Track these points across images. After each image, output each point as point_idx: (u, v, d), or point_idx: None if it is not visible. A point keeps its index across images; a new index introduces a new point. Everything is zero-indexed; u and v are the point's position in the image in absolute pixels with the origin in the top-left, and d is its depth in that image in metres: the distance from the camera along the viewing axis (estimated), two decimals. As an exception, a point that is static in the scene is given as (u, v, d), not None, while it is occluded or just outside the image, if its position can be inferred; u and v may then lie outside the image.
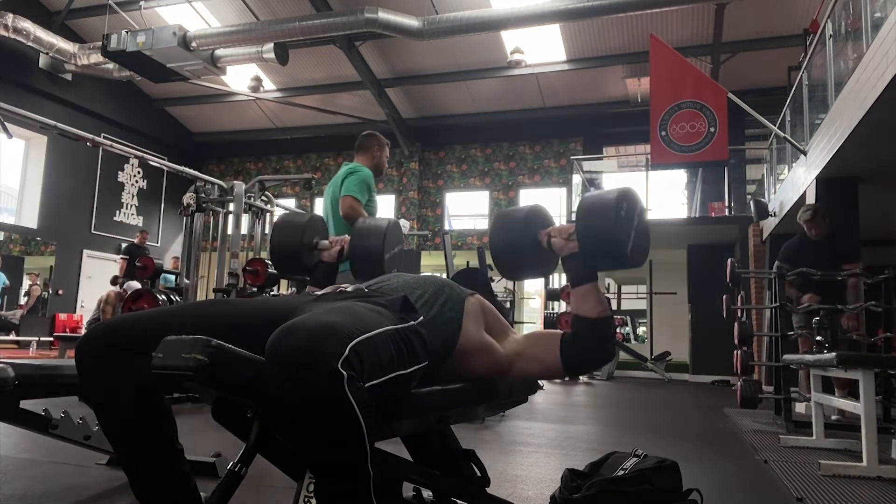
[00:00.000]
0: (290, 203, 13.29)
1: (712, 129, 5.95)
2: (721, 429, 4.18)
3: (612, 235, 1.35)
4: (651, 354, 10.16)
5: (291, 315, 1.22)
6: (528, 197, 13.39)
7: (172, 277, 7.43)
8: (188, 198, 5.54)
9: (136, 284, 6.77)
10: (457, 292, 1.46)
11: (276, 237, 1.76)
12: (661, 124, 6.09)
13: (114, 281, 8.26)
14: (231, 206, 5.68)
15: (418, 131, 13.73)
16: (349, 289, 1.42)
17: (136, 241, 9.26)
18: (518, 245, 1.50)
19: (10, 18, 9.61)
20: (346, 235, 1.78)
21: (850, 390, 4.21)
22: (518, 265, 1.54)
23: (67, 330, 11.09)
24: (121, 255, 8.83)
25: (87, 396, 1.17)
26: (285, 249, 1.74)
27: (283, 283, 6.26)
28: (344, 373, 0.94)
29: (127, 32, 9.01)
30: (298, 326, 0.98)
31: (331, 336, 0.97)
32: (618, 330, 10.55)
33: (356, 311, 1.15)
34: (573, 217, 1.50)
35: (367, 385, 1.01)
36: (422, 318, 1.30)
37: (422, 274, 1.61)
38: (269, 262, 5.27)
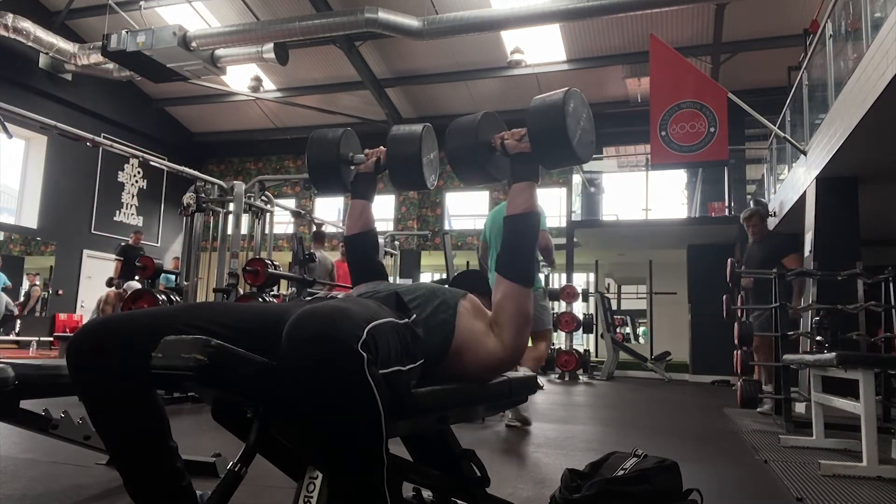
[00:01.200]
0: (290, 203, 13.27)
1: (712, 129, 5.95)
2: (721, 429, 4.18)
3: (559, 130, 1.44)
4: (651, 354, 10.16)
5: (285, 315, 1.22)
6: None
7: (172, 277, 7.43)
8: (188, 198, 5.55)
9: (136, 285, 6.77)
10: (450, 295, 1.46)
11: (312, 153, 1.77)
12: (661, 124, 6.08)
13: (109, 282, 8.24)
14: (231, 206, 5.68)
15: (418, 131, 13.72)
16: (340, 295, 1.43)
17: (130, 241, 9.21)
18: (472, 149, 1.57)
19: (10, 18, 9.61)
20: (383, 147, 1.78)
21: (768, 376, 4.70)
22: (472, 168, 1.60)
23: (67, 330, 11.08)
24: (115, 256, 8.80)
25: (78, 393, 1.16)
26: (322, 164, 1.76)
27: (283, 283, 6.26)
28: (364, 354, 0.95)
29: (127, 32, 9.00)
30: (317, 311, 0.99)
31: (349, 319, 0.99)
32: (618, 330, 10.54)
33: (363, 302, 1.17)
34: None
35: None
36: (415, 316, 1.30)
37: (416, 282, 1.62)
38: (270, 261, 5.27)
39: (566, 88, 1.49)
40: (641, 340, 14.75)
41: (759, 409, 4.81)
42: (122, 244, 9.06)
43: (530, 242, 1.51)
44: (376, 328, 1.03)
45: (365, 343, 0.97)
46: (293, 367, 0.96)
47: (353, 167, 1.79)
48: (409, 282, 5.81)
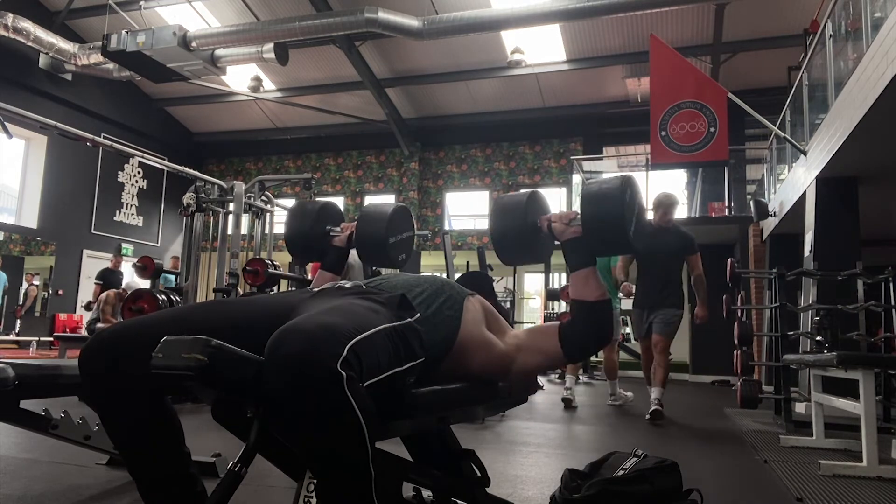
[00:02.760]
0: (290, 203, 13.30)
1: (712, 129, 5.95)
2: (721, 429, 4.18)
3: (617, 221, 1.39)
4: (651, 354, 10.13)
5: (291, 313, 1.22)
6: (528, 197, 13.36)
7: (172, 277, 7.42)
8: (188, 198, 5.55)
9: (135, 284, 6.77)
10: (457, 291, 1.46)
11: (290, 224, 1.84)
12: (661, 124, 6.08)
13: (87, 306, 8.23)
14: (231, 206, 5.68)
15: (418, 131, 13.72)
16: (347, 285, 1.41)
17: (110, 265, 9.20)
18: (517, 230, 1.52)
19: (10, 18, 9.61)
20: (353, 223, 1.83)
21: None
22: (517, 250, 1.56)
23: (67, 330, 11.09)
24: (95, 280, 8.84)
25: (92, 402, 1.17)
26: (298, 235, 1.83)
27: (283, 283, 6.25)
28: (343, 373, 0.94)
29: (127, 32, 9.00)
30: (296, 329, 0.98)
31: (329, 337, 0.97)
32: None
33: (353, 310, 1.14)
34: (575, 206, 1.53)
35: (365, 384, 1.01)
36: (419, 315, 1.29)
37: (423, 273, 1.62)
38: (270, 261, 5.27)
39: (623, 176, 1.44)
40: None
41: (646, 417, 4.43)
42: (102, 269, 9.08)
43: (603, 332, 1.48)
44: (361, 342, 1.01)
45: (346, 361, 0.95)
46: (273, 385, 0.94)
47: (328, 237, 1.84)
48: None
